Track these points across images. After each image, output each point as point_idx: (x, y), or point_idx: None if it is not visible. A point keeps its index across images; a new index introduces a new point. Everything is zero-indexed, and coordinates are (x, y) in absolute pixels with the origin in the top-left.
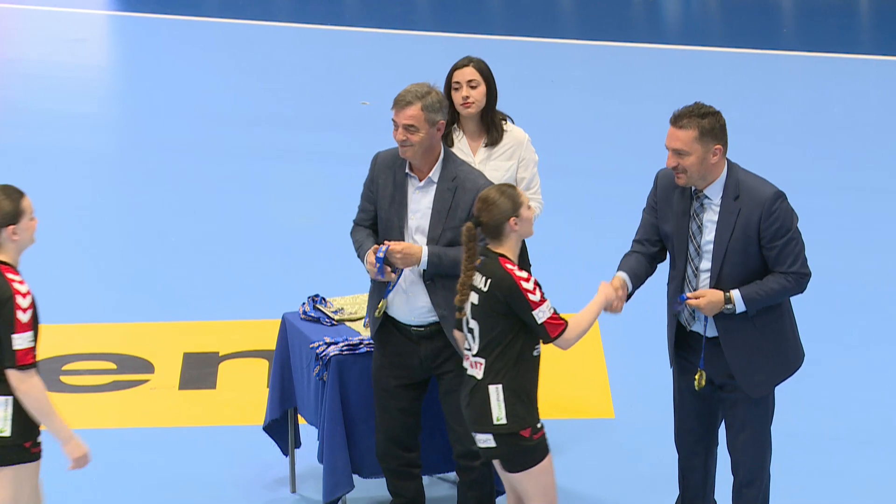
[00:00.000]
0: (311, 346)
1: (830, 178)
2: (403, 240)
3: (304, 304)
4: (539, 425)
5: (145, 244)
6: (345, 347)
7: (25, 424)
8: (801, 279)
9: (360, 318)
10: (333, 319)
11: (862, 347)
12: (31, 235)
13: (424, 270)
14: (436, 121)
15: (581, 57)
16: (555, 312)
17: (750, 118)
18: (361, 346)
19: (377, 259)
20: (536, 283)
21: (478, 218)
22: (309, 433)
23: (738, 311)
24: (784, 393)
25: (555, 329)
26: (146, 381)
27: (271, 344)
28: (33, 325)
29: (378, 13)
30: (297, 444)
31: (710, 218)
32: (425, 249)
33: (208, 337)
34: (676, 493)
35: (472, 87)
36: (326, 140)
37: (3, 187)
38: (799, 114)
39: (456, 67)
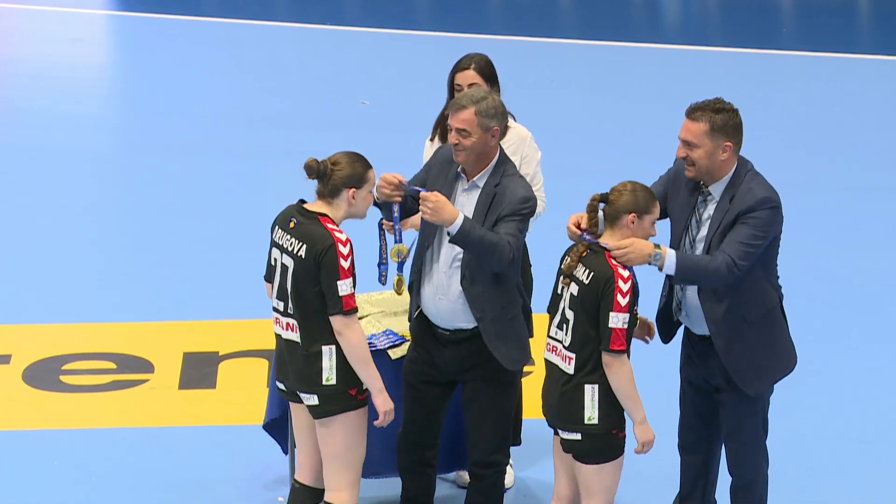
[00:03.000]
0: None
1: (830, 177)
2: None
3: None
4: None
5: (145, 244)
6: None
7: (350, 373)
8: (727, 265)
9: (359, 318)
10: None
11: (862, 347)
12: (365, 209)
13: (462, 276)
14: (489, 126)
15: (581, 57)
16: (626, 332)
17: (749, 118)
18: None
19: (394, 219)
20: (632, 291)
21: (608, 195)
22: None
23: (666, 269)
24: (784, 393)
25: (617, 343)
26: (146, 380)
27: (271, 344)
28: (353, 272)
29: (378, 13)
30: None
31: (709, 214)
32: (462, 214)
33: (208, 337)
34: (677, 493)
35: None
36: (326, 140)
37: (351, 153)
38: (799, 114)
39: (457, 69)
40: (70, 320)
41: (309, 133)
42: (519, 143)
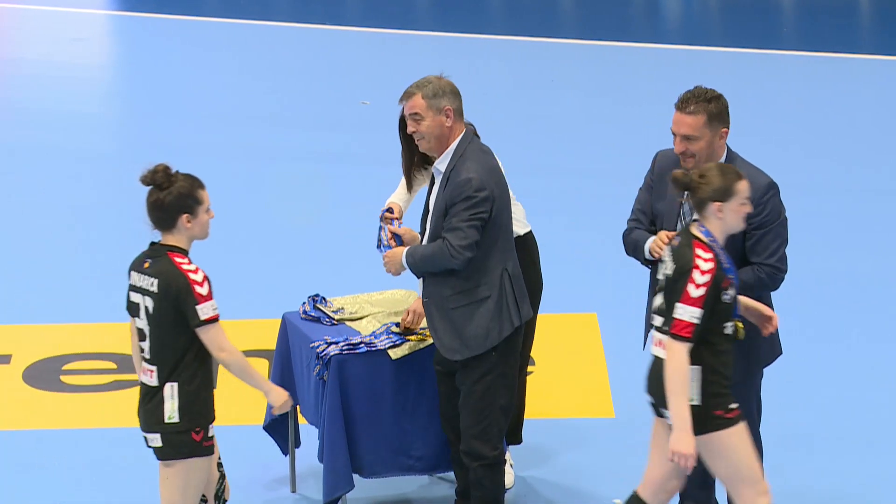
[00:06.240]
0: (311, 345)
1: (830, 178)
2: (426, 231)
3: (304, 303)
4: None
5: (145, 244)
6: (345, 347)
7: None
8: (775, 273)
9: (360, 318)
10: (334, 319)
11: (862, 347)
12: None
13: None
14: (441, 106)
15: (581, 57)
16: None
17: (750, 118)
18: (361, 345)
19: (383, 247)
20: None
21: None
22: (309, 432)
23: None
24: (784, 392)
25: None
26: None
27: (271, 344)
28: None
29: (378, 13)
30: (297, 444)
31: None
32: (404, 251)
33: None
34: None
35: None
36: (326, 140)
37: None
38: (799, 114)
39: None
40: (70, 320)
41: (309, 133)
42: None
